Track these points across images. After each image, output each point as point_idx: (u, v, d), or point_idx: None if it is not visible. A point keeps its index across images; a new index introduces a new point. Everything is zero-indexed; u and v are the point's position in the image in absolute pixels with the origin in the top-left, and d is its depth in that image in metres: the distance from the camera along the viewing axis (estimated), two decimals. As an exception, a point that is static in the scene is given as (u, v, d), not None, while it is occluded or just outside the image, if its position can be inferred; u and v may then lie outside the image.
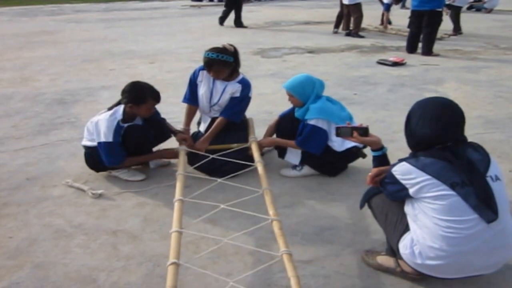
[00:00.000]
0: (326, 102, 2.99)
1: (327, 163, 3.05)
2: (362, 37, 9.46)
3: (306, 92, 2.97)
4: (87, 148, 3.09)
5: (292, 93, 3.01)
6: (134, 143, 3.04)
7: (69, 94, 5.34)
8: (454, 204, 1.77)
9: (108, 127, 2.90)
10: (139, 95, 2.97)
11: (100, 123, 2.94)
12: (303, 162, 3.11)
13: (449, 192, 1.77)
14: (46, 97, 5.25)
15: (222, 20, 11.61)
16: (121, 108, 2.99)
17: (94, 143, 3.00)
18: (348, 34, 9.73)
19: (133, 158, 3.11)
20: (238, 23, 11.38)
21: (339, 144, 2.96)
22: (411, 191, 1.87)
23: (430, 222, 1.82)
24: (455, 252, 1.80)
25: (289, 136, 3.09)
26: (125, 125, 3.00)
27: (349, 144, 2.90)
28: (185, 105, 3.40)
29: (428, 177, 1.80)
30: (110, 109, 3.04)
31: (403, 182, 1.88)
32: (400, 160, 1.93)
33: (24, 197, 2.93)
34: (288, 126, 3.15)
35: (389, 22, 10.79)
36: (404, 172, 1.87)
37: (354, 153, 3.00)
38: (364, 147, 3.01)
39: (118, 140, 2.95)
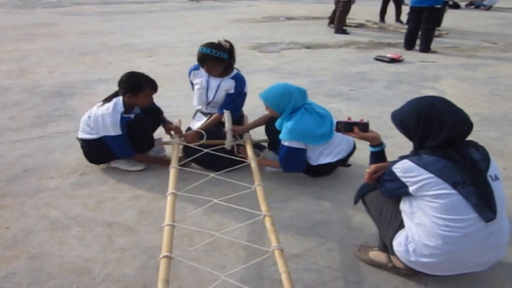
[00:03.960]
0: (303, 117, 2.82)
1: (309, 170, 3.02)
2: (347, 33, 9.41)
3: (281, 104, 2.86)
4: (85, 142, 3.08)
5: (267, 105, 2.94)
6: (140, 133, 3.05)
7: (67, 87, 5.34)
8: (454, 203, 1.77)
9: (115, 121, 2.92)
10: (136, 85, 2.98)
11: (104, 118, 2.93)
12: None
13: (451, 191, 1.77)
14: (43, 89, 5.25)
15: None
16: (120, 100, 2.99)
17: (94, 136, 3.01)
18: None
19: (144, 156, 3.19)
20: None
21: (314, 159, 2.92)
22: (411, 189, 1.86)
23: (428, 220, 1.83)
24: (450, 251, 1.81)
25: (276, 137, 3.05)
26: (130, 116, 3.00)
27: (324, 160, 2.90)
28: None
29: (431, 175, 1.79)
30: (105, 100, 3.04)
31: (404, 179, 1.87)
32: (401, 158, 1.91)
33: (21, 188, 2.95)
34: (275, 129, 3.08)
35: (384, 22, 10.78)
36: (406, 169, 1.86)
37: (334, 166, 3.00)
38: (347, 158, 3.03)
39: (126, 132, 2.98)
